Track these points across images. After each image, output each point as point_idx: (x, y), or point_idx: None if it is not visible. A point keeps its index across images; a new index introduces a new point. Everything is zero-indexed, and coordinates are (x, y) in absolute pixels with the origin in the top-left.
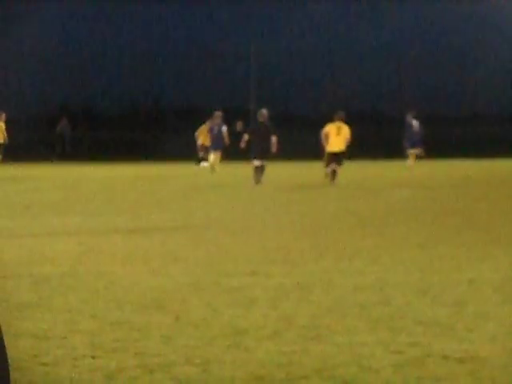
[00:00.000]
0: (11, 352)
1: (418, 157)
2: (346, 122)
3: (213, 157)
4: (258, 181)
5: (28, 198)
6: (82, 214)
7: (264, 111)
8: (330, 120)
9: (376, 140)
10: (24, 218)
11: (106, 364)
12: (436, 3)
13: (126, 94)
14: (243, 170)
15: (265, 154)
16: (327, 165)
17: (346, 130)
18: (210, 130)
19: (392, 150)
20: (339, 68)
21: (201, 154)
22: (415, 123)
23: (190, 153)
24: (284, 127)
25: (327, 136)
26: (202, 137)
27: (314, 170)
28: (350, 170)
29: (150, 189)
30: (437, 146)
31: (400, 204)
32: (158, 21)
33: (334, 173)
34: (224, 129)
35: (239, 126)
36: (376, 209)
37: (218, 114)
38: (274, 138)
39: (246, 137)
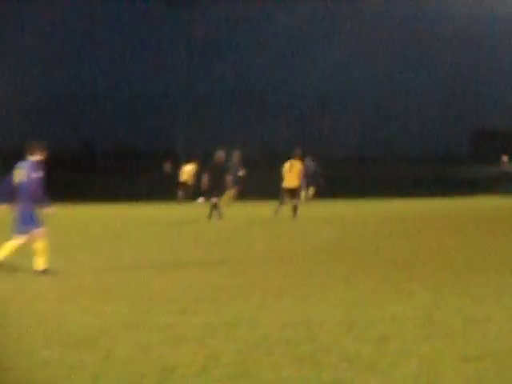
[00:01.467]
0: None
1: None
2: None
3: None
4: (210, 216)
5: None
6: (11, 254)
7: (221, 152)
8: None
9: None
10: None
11: None
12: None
13: (53, 136)
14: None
15: (221, 192)
16: (281, 200)
17: (297, 167)
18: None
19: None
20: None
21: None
22: (310, 164)
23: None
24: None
25: (283, 173)
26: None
27: (258, 209)
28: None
29: (83, 229)
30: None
31: (324, 242)
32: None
33: (294, 208)
34: None
35: (167, 166)
36: (302, 247)
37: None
38: (228, 177)
39: (205, 177)
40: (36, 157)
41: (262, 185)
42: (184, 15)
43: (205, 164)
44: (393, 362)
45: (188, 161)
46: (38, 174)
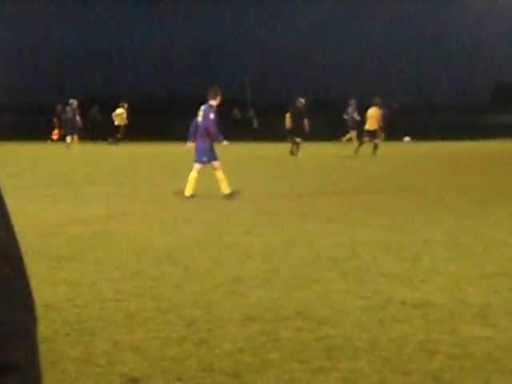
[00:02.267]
0: (50, 297)
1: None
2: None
3: None
4: (294, 154)
5: (64, 170)
6: (109, 184)
7: (301, 99)
8: None
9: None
10: (61, 187)
11: (127, 306)
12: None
13: (142, 85)
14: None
15: (301, 133)
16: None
17: (377, 112)
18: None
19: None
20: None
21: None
22: (351, 110)
23: None
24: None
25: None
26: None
27: (324, 148)
28: (324, 149)
29: (166, 164)
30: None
31: (367, 178)
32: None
33: (375, 146)
34: None
35: (236, 112)
36: (348, 181)
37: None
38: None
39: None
40: (213, 101)
41: (321, 129)
42: None
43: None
44: (424, 278)
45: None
46: (214, 115)
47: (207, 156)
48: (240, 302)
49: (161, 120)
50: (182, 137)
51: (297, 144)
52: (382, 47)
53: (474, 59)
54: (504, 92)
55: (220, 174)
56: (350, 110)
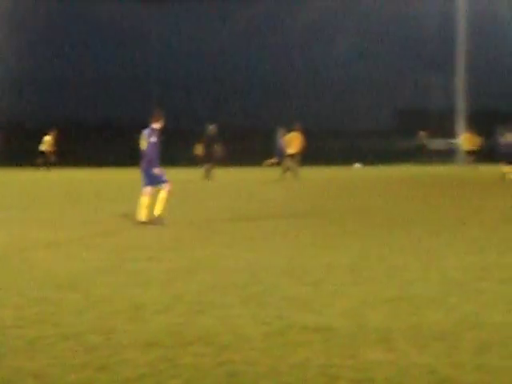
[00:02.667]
0: None
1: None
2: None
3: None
4: (207, 179)
5: None
6: (13, 209)
7: (212, 127)
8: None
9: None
10: None
11: (27, 333)
12: None
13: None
14: None
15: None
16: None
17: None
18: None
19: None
20: None
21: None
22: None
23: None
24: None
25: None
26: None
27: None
28: (228, 174)
29: (70, 190)
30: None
31: (274, 203)
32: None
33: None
34: None
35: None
36: (255, 206)
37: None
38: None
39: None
40: (156, 124)
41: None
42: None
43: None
44: (326, 302)
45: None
46: (156, 139)
47: (157, 179)
48: (141, 327)
49: (96, 145)
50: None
51: (209, 169)
52: (285, 72)
53: (381, 84)
54: (409, 117)
55: (163, 194)
56: (277, 136)
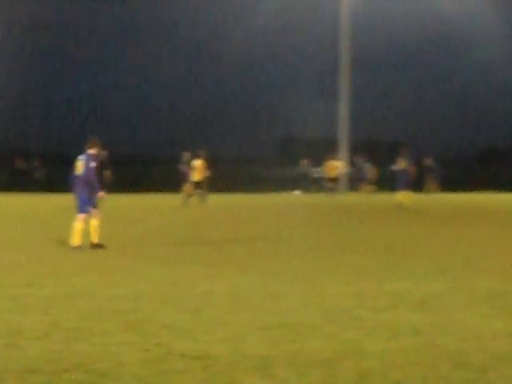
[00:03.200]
0: None
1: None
2: None
3: None
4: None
5: None
6: None
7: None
8: None
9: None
10: None
11: None
12: None
13: None
14: None
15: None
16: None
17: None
18: None
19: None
20: None
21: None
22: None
23: None
24: None
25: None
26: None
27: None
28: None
29: None
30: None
31: (154, 229)
32: None
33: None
34: None
35: (19, 162)
36: (135, 233)
37: None
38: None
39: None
40: (92, 150)
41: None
42: None
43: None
44: (205, 330)
45: None
46: (94, 165)
47: (90, 205)
48: (19, 354)
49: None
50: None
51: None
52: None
53: (262, 112)
54: (291, 145)
55: (95, 222)
56: (184, 161)
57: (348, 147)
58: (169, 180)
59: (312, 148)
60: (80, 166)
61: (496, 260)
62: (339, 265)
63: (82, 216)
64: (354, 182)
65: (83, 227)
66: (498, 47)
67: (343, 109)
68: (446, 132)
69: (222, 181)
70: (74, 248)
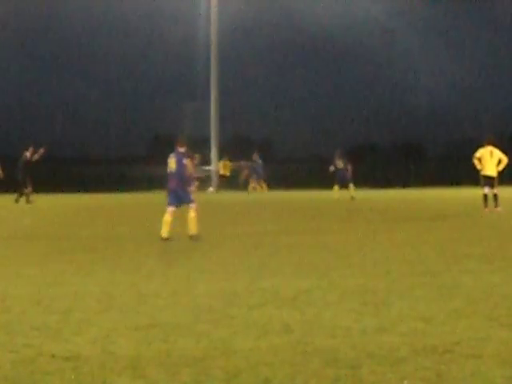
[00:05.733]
0: None
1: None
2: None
3: None
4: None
5: None
6: None
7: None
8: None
9: None
10: None
11: None
12: None
13: None
14: None
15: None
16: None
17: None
18: None
19: None
20: None
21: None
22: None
23: None
24: None
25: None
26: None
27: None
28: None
29: None
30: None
31: (25, 229)
32: None
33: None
34: None
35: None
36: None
37: None
38: None
39: None
40: (182, 148)
41: None
42: None
43: None
44: (75, 331)
45: None
46: (186, 161)
47: (181, 199)
48: None
49: None
50: None
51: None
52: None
53: (131, 110)
54: (162, 143)
55: (193, 214)
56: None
57: (218, 145)
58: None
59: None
60: (172, 163)
61: (368, 256)
62: (211, 263)
63: (171, 209)
64: (250, 179)
65: (172, 219)
66: (375, 43)
67: (213, 107)
68: (313, 129)
69: (90, 180)
70: (163, 239)
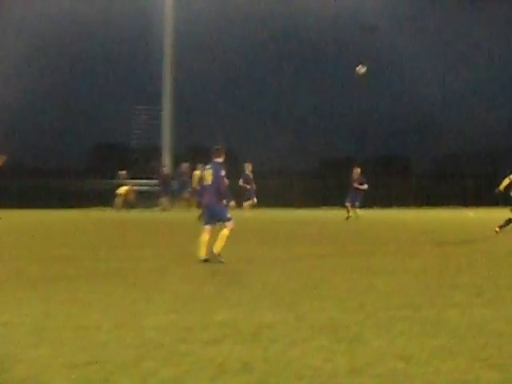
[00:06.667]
0: None
1: None
2: None
3: None
4: None
5: None
6: None
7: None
8: None
9: None
10: None
11: None
12: None
13: None
14: None
15: None
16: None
17: None
18: None
19: None
20: None
21: None
22: None
23: None
24: None
25: None
26: None
27: None
28: None
29: None
30: None
31: None
32: None
33: None
34: None
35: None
36: None
37: None
38: None
39: None
40: (220, 159)
41: None
42: None
43: None
44: (2, 367)
45: None
46: (224, 173)
47: (217, 216)
48: None
49: None
50: None
51: None
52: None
53: (77, 118)
54: (104, 154)
55: (226, 232)
56: None
57: (172, 155)
58: None
59: (133, 157)
60: (208, 175)
61: (341, 285)
62: (160, 291)
63: (208, 228)
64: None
65: (209, 238)
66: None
67: (166, 115)
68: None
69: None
70: (202, 261)
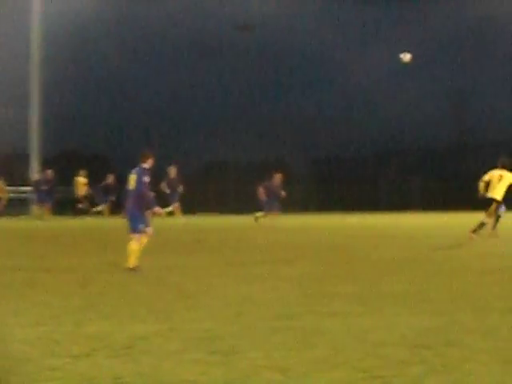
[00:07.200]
0: None
1: None
2: None
3: None
4: None
5: None
6: None
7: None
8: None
9: None
10: None
11: None
12: None
13: None
14: None
15: None
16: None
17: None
18: None
19: None
20: None
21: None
22: None
23: None
24: None
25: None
26: None
27: None
28: None
29: None
30: None
31: None
32: None
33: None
34: None
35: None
36: None
37: None
38: None
39: None
40: (146, 164)
41: None
42: None
43: None
44: None
45: None
46: (148, 179)
47: (143, 223)
48: None
49: None
50: None
51: None
52: None
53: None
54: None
55: (144, 240)
56: None
57: (40, 161)
58: None
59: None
60: (132, 179)
61: (217, 295)
62: (27, 303)
63: (136, 236)
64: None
65: (138, 247)
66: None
67: (34, 118)
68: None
69: None
70: (132, 270)
